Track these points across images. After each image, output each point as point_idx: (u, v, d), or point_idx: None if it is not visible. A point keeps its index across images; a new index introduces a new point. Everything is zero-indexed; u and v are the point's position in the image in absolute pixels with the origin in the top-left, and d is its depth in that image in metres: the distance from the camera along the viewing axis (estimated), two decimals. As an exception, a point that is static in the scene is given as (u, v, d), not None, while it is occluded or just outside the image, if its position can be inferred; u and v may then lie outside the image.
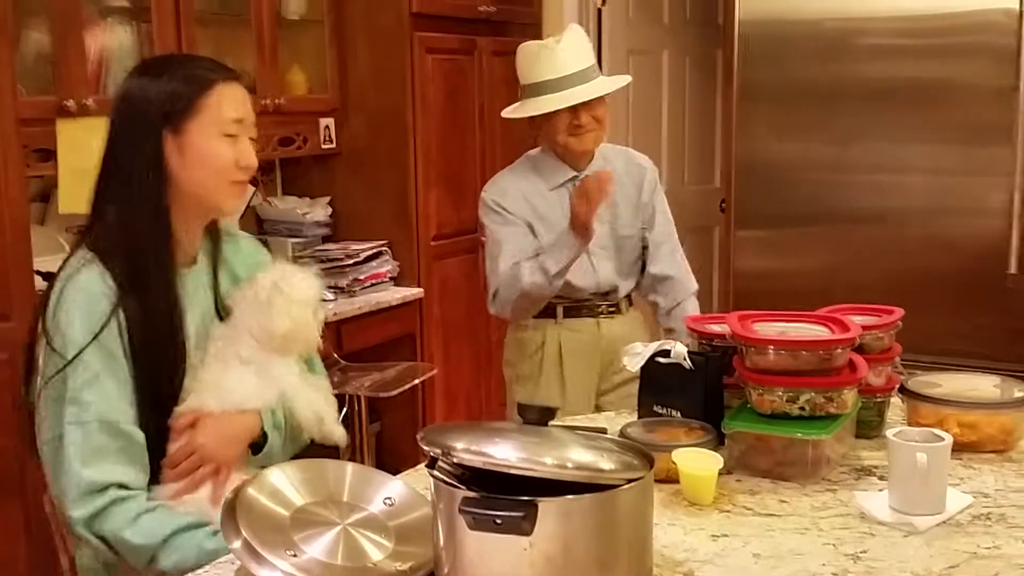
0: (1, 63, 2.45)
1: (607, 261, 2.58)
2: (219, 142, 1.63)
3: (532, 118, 2.51)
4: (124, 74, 2.98)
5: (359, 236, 3.74)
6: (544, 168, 2.58)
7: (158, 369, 1.61)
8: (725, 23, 3.91)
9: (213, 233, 1.77)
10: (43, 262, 2.81)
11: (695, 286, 2.71)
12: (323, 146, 3.71)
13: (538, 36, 4.28)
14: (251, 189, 1.72)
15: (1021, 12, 3.28)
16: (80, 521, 1.54)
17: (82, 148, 2.82)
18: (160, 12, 3.02)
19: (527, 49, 2.52)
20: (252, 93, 1.72)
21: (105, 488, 1.55)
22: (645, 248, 2.66)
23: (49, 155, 2.79)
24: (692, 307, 2.65)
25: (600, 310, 2.59)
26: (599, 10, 4.37)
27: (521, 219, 2.52)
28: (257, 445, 1.69)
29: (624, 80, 2.57)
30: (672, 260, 2.66)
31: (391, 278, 3.74)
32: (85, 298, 1.58)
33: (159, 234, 1.63)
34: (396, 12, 3.65)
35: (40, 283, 2.73)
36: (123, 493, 1.56)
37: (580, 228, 2.36)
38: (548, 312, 2.58)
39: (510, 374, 2.69)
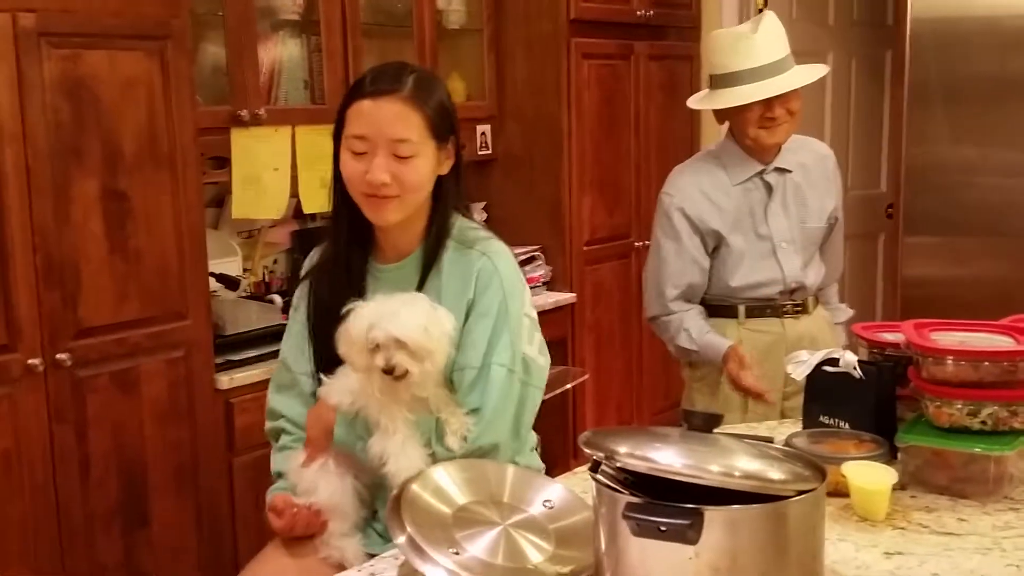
0: (181, 75, 2.58)
1: (794, 256, 2.46)
2: (347, 156, 1.69)
3: (719, 110, 2.44)
4: (293, 86, 3.16)
5: (513, 241, 3.70)
6: (729, 161, 2.49)
7: (325, 339, 1.73)
8: (896, 22, 3.77)
9: (432, 236, 1.75)
10: (217, 264, 2.95)
11: (840, 270, 2.69)
12: (479, 152, 3.76)
13: (696, 40, 4.23)
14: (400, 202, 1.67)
15: None
16: (265, 432, 1.90)
17: (253, 156, 2.95)
18: (328, 25, 3.12)
19: (720, 37, 2.44)
20: (412, 105, 1.67)
21: (279, 416, 1.86)
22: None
23: (223, 162, 2.93)
24: (833, 293, 2.67)
25: (786, 309, 2.47)
26: (760, 11, 4.27)
27: (696, 228, 2.45)
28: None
29: (822, 71, 2.45)
30: (835, 240, 2.63)
31: (544, 283, 3.76)
32: (305, 265, 1.91)
33: (341, 226, 1.78)
34: (553, 19, 3.67)
35: (213, 284, 2.86)
36: (288, 426, 1.84)
37: (729, 381, 2.40)
38: (730, 312, 2.48)
39: (689, 376, 2.60)
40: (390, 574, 1.39)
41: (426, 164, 1.70)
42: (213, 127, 2.82)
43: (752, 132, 2.40)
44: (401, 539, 1.33)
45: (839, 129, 4.56)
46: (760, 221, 2.46)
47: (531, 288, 3.63)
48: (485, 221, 3.86)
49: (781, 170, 2.49)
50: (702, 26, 4.25)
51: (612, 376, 3.99)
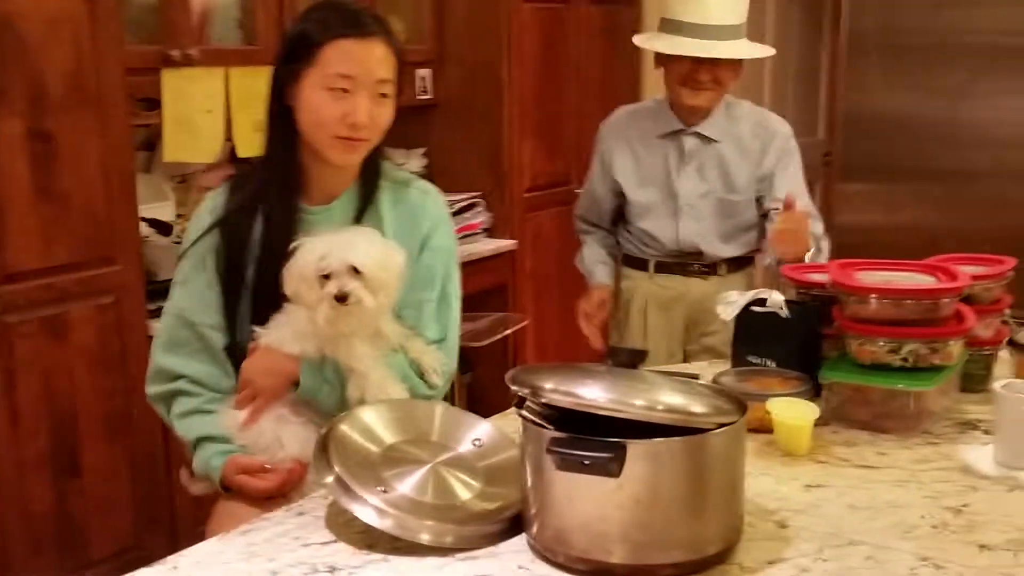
0: (109, 13, 2.50)
1: (692, 222, 2.46)
2: (323, 95, 1.65)
3: (658, 55, 2.41)
4: (226, 25, 3.08)
5: (453, 187, 3.74)
6: (660, 113, 2.49)
7: (258, 294, 1.70)
8: (834, -32, 3.79)
9: (367, 177, 1.76)
10: (148, 209, 2.89)
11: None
12: (419, 97, 3.71)
13: (637, -16, 4.20)
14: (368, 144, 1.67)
15: None
16: (149, 397, 1.76)
17: (185, 98, 2.87)
18: (261, -38, 3.04)
19: None
20: (390, 47, 1.68)
21: (176, 377, 1.73)
22: (764, 217, 2.47)
23: (155, 104, 2.85)
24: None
25: (692, 269, 2.51)
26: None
27: (607, 172, 2.54)
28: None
29: (762, 51, 2.39)
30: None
31: (484, 229, 3.75)
32: (198, 214, 1.78)
33: (283, 174, 1.72)
34: (493, -40, 3.62)
35: (145, 230, 2.81)
36: (190, 387, 1.72)
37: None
38: (642, 265, 2.56)
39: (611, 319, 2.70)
40: (319, 514, 1.39)
41: (394, 105, 1.72)
42: (143, 67, 2.74)
43: (675, 88, 2.39)
44: (329, 479, 1.33)
45: (779, 75, 4.58)
46: (674, 178, 2.47)
47: (471, 235, 3.68)
48: (425, 167, 3.83)
49: (703, 137, 2.44)
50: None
51: (552, 323, 4.00)
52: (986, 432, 1.58)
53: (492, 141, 3.75)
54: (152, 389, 1.76)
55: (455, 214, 3.62)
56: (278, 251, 1.67)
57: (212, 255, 1.72)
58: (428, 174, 3.82)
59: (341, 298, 1.60)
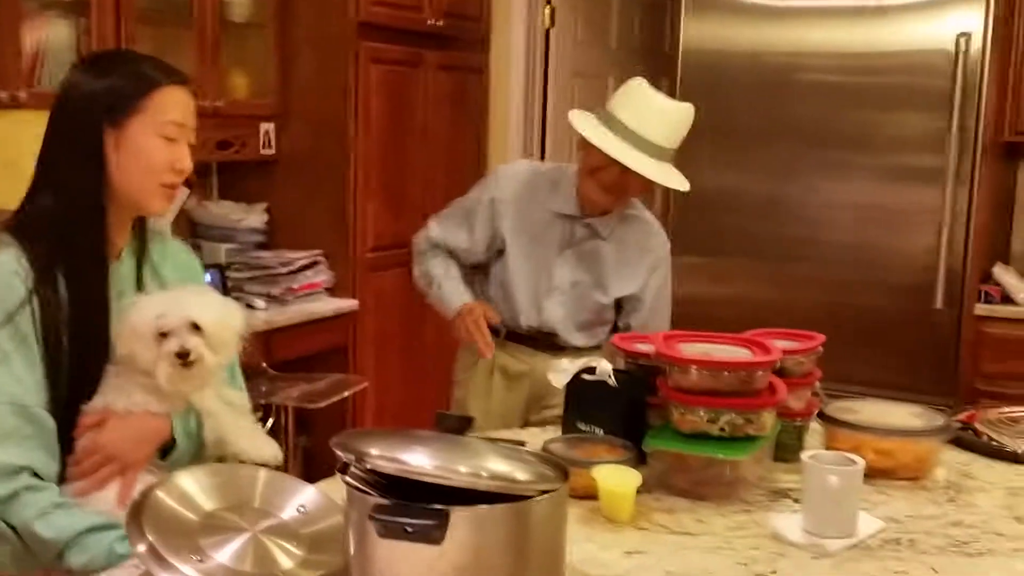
0: (-70, 50, 2.39)
1: (559, 307, 2.47)
2: (156, 142, 1.62)
3: (582, 137, 2.34)
4: (60, 68, 2.97)
5: (295, 244, 3.70)
6: (561, 188, 2.44)
7: (75, 359, 1.58)
8: (671, 52, 3.99)
9: (140, 231, 1.73)
10: (-36, 255, 2.74)
11: None
12: (262, 151, 3.67)
13: (486, 53, 4.30)
14: (184, 192, 1.67)
15: (956, 55, 3.39)
16: None
17: (11, 141, 2.75)
18: (100, 8, 2.96)
19: (634, 83, 2.32)
20: (194, 96, 1.70)
21: (17, 472, 1.51)
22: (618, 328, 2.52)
23: (-21, 147, 2.72)
24: None
25: (541, 345, 2.50)
26: (547, 31, 4.40)
27: (491, 224, 2.47)
28: (167, 449, 1.63)
29: (674, 182, 2.33)
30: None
31: (326, 289, 3.71)
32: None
33: (94, 226, 1.62)
34: (342, 20, 3.63)
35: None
36: (35, 482, 1.53)
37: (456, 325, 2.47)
38: (495, 332, 2.48)
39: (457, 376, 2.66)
40: (128, 583, 1.33)
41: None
42: (-33, 109, 2.62)
43: (584, 175, 2.37)
44: (141, 547, 1.27)
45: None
46: (553, 259, 2.46)
47: (312, 294, 3.63)
48: (267, 223, 3.77)
49: (592, 231, 2.44)
50: (491, 40, 4.34)
51: (392, 385, 3.98)
52: (796, 500, 1.65)
53: (336, 199, 3.73)
54: None
55: (296, 272, 3.57)
56: (92, 313, 1.59)
57: (31, 326, 1.54)
58: (269, 230, 3.77)
59: (183, 355, 1.56)
